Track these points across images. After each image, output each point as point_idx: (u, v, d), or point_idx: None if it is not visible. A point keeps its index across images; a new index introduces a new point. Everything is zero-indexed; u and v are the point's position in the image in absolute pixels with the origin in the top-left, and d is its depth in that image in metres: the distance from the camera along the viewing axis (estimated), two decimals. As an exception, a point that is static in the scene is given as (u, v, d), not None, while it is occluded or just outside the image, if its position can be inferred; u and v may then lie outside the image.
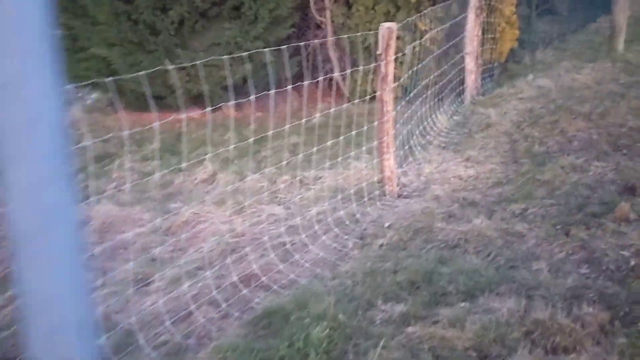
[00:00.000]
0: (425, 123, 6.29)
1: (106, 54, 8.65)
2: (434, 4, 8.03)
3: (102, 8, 8.29)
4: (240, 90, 9.63)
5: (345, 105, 5.30)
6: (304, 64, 8.73)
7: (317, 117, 7.69)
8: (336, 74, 9.10)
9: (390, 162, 4.44)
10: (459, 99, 7.67)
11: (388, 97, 4.24)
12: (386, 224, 3.82)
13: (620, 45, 7.32)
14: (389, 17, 8.48)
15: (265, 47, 9.01)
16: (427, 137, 5.91)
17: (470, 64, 7.57)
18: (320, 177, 5.47)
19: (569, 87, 6.40)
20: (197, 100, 9.62)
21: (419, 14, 7.77)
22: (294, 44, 6.15)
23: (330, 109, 5.00)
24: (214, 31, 8.68)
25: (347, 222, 4.02)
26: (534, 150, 4.81)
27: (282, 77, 9.16)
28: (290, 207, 4.73)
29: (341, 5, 8.69)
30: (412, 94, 7.74)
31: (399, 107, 6.43)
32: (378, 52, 4.15)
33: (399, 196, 4.56)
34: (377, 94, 4.31)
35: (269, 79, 9.02)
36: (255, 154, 7.44)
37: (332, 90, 9.14)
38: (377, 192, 4.53)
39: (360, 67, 5.41)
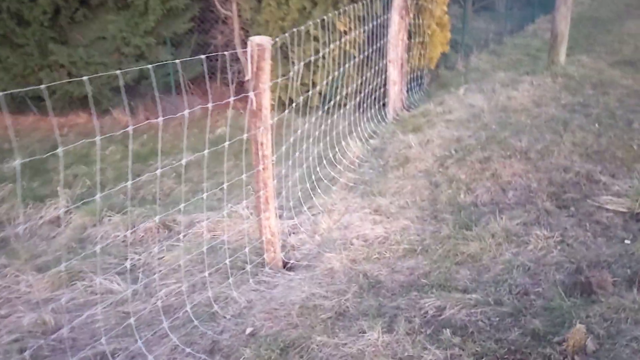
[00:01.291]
0: (337, 148, 5.20)
1: (-40, 47, 7.10)
2: (354, 1, 6.92)
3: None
4: (133, 92, 8.29)
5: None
6: (206, 63, 7.53)
7: (219, 132, 6.52)
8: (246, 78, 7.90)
9: (270, 221, 3.30)
10: (382, 113, 6.63)
11: (264, 138, 3.09)
12: (248, 330, 2.68)
13: (562, 56, 6.44)
14: (304, 14, 7.32)
15: (157, 44, 7.71)
16: (336, 167, 4.81)
17: (393, 73, 6.52)
18: (195, 224, 4.28)
19: (503, 107, 5.43)
20: (82, 102, 8.21)
21: (337, 12, 6.66)
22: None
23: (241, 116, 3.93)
24: (97, 23, 7.28)
25: (201, 319, 2.86)
26: (459, 201, 3.79)
27: (183, 77, 7.88)
28: (139, 275, 3.52)
29: (250, -3, 7.46)
30: (331, 103, 6.65)
31: (313, 119, 5.34)
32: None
33: (284, 265, 3.44)
34: (250, 133, 3.15)
35: (171, 80, 7.62)
36: (135, 177, 6.15)
37: (248, 101, 7.96)
38: (257, 259, 3.39)
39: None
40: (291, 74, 4.19)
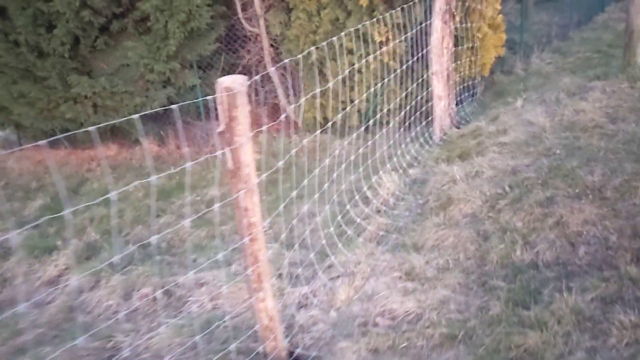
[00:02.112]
0: (372, 179, 4.46)
1: (-18, 84, 6.82)
2: (391, 8, 6.15)
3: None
4: (162, 119, 7.85)
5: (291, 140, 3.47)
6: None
7: (258, 157, 5.95)
8: (282, 101, 7.26)
9: (267, 303, 2.61)
10: (428, 132, 5.82)
11: (248, 202, 2.40)
12: None
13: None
14: (337, 25, 6.61)
15: (183, 68, 7.21)
16: (365, 209, 4.07)
17: (438, 86, 5.69)
18: (199, 286, 3.65)
19: (570, 124, 4.52)
20: (112, 133, 7.83)
21: (372, 20, 5.91)
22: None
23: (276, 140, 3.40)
24: (120, 50, 6.83)
25: None
26: (513, 261, 2.97)
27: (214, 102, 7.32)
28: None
29: (278, 11, 6.81)
30: (371, 122, 5.92)
31: (354, 135, 4.66)
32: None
33: (290, 355, 2.74)
34: (233, 198, 2.47)
35: (200, 105, 6.95)
36: (158, 217, 5.61)
37: (282, 118, 7.34)
38: (258, 346, 2.71)
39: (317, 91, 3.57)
40: (317, 90, 3.49)
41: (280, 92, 7.26)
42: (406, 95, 6.19)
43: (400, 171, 4.66)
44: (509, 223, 3.25)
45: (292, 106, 7.06)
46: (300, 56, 5.27)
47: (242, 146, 2.29)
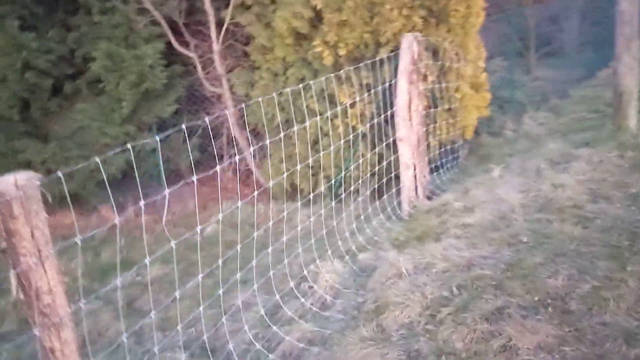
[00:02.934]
0: (312, 267, 3.82)
1: None
2: (358, 67, 5.64)
3: None
4: (121, 185, 7.36)
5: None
6: (205, 148, 6.49)
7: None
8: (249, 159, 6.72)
9: None
10: (397, 202, 5.21)
11: (54, 340, 1.79)
12: None
13: (632, 121, 4.79)
14: (303, 83, 6.12)
15: (139, 130, 6.75)
16: (297, 306, 3.42)
17: (406, 153, 5.10)
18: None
19: (545, 203, 3.87)
20: (72, 200, 7.32)
21: (338, 80, 5.40)
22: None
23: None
24: (75, 112, 6.41)
25: None
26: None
27: (177, 166, 6.84)
28: None
29: (242, 71, 6.36)
30: (340, 193, 5.37)
31: (322, 211, 4.13)
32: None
33: None
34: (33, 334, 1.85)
35: (160, 170, 6.23)
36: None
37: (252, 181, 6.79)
38: None
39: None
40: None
41: (248, 155, 6.72)
42: (378, 161, 5.62)
43: (348, 256, 4.01)
44: (447, 342, 2.57)
45: (256, 172, 6.51)
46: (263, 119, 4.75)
47: (34, 269, 1.69)
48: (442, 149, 6.07)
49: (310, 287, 3.66)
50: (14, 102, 6.07)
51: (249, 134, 6.64)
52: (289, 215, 6.01)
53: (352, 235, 4.46)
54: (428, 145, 5.77)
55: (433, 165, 5.82)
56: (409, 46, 4.98)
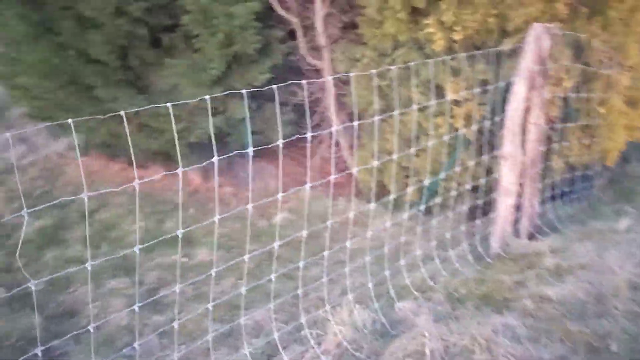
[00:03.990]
0: (328, 306, 3.03)
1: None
2: (473, 57, 4.57)
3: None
4: (208, 150, 6.94)
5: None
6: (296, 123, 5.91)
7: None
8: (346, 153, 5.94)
9: None
10: (489, 232, 4.18)
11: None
12: None
13: None
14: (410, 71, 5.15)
15: (231, 96, 6.23)
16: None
17: (507, 176, 4.02)
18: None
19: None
20: (163, 156, 7.10)
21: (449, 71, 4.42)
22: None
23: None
24: (170, 68, 6.06)
25: None
26: None
27: (269, 139, 6.30)
28: None
29: (346, 44, 5.53)
30: (432, 204, 4.54)
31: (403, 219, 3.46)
32: None
33: None
34: None
35: (248, 141, 5.59)
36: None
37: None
38: None
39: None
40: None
41: (342, 142, 5.95)
42: (483, 174, 4.58)
43: (383, 301, 3.14)
44: None
45: (348, 161, 5.72)
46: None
47: None
48: (569, 175, 4.81)
49: (319, 335, 2.87)
50: (111, 48, 5.83)
51: (345, 117, 5.85)
52: (365, 218, 5.21)
53: (412, 268, 3.57)
54: (547, 168, 4.57)
55: (550, 194, 4.62)
56: (536, 39, 3.83)
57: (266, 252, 4.09)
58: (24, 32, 6.01)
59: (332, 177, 3.61)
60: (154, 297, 3.69)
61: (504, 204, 4.02)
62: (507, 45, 4.37)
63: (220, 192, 6.43)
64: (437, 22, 4.67)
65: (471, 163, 4.64)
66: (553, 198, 4.67)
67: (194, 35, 5.63)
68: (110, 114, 5.64)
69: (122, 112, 3.85)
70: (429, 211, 5.08)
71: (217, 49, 5.38)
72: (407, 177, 5.29)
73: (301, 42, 5.55)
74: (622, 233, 3.54)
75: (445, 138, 4.29)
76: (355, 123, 3.40)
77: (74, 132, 4.57)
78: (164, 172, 6.85)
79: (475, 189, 4.76)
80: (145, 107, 3.33)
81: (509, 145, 3.97)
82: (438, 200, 5.10)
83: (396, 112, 3.71)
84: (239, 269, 4.28)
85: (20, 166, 7.57)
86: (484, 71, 4.53)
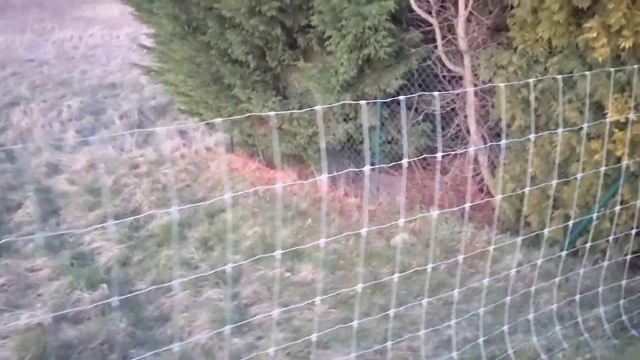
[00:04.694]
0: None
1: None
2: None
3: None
4: (339, 158, 6.55)
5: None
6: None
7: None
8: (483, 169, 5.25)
9: None
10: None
11: None
12: None
13: None
14: (568, 82, 4.31)
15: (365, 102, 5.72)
16: None
17: None
18: None
19: None
20: (295, 160, 6.93)
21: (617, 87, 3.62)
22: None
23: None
24: (301, 71, 5.85)
25: None
26: None
27: (403, 149, 5.85)
28: None
29: (490, 49, 4.83)
30: (578, 245, 3.90)
31: (539, 262, 2.98)
32: None
33: None
34: None
35: (376, 151, 5.65)
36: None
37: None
38: None
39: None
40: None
41: (482, 159, 5.27)
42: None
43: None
44: None
45: (488, 182, 5.01)
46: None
47: None
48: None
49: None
50: (248, 48, 5.77)
51: (485, 132, 5.14)
52: (500, 255, 4.50)
53: (525, 334, 2.89)
54: None
55: None
56: None
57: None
58: (173, 30, 6.20)
59: (467, 205, 3.00)
60: (239, 323, 3.46)
61: None
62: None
63: (343, 202, 6.08)
64: (601, 24, 3.81)
65: (637, 202, 3.74)
66: None
67: (328, 37, 5.33)
68: (249, 114, 5.60)
69: (271, 114, 3.65)
70: (575, 253, 4.24)
71: (347, 52, 5.01)
72: (553, 208, 4.47)
73: (440, 46, 4.96)
74: None
75: (603, 169, 3.44)
76: (503, 142, 2.76)
77: (222, 131, 4.48)
78: (299, 181, 6.73)
79: (638, 234, 3.84)
80: (290, 111, 3.04)
81: None
82: (587, 242, 4.25)
83: (559, 131, 3.01)
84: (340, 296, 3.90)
85: (172, 158, 7.94)
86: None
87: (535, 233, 4.08)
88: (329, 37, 5.22)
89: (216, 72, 6.28)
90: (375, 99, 5.62)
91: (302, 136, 6.06)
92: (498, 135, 5.05)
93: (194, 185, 7.04)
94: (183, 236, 5.40)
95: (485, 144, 5.14)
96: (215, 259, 4.87)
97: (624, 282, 3.41)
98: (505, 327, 2.84)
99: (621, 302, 3.24)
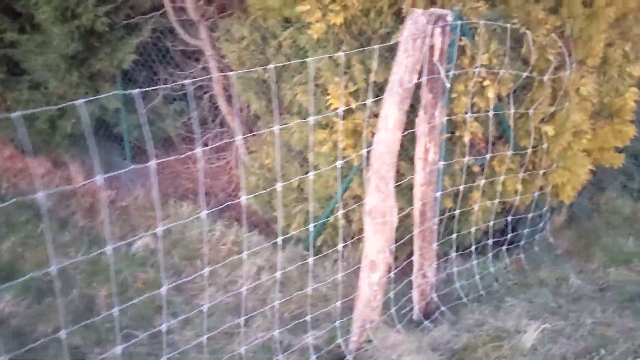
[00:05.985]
0: None
1: None
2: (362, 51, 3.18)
3: None
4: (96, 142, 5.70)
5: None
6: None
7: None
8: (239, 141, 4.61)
9: None
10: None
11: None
12: None
13: None
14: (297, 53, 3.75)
15: (104, 81, 4.85)
16: None
17: (374, 243, 2.68)
18: None
19: None
20: (45, 150, 5.90)
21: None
22: None
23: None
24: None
25: None
26: None
27: (164, 133, 5.13)
28: None
29: (228, 20, 4.14)
30: (318, 244, 3.38)
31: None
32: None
33: None
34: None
35: (125, 138, 3.98)
36: None
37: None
38: None
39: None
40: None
41: (237, 135, 4.63)
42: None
43: None
44: None
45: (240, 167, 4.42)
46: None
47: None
48: (504, 219, 3.42)
49: None
50: None
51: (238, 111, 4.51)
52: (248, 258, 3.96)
53: None
54: (462, 215, 3.18)
55: (474, 246, 3.25)
56: (417, 35, 2.41)
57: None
58: None
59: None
60: None
61: (366, 282, 2.69)
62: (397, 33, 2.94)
63: (100, 194, 5.24)
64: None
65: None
66: (469, 255, 3.30)
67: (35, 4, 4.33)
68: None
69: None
70: (320, 252, 3.80)
71: (59, 23, 4.08)
72: (297, 202, 3.98)
73: (170, 15, 4.19)
74: (564, 295, 2.19)
75: (339, 162, 2.83)
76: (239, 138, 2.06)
77: None
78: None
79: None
80: None
81: (373, 194, 2.60)
82: (327, 240, 3.83)
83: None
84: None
85: None
86: (377, 71, 3.10)
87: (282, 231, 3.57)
88: (36, 3, 4.25)
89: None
90: (114, 76, 4.77)
91: (42, 120, 5.09)
92: (258, 118, 4.42)
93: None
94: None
95: (242, 128, 4.52)
96: None
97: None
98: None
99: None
